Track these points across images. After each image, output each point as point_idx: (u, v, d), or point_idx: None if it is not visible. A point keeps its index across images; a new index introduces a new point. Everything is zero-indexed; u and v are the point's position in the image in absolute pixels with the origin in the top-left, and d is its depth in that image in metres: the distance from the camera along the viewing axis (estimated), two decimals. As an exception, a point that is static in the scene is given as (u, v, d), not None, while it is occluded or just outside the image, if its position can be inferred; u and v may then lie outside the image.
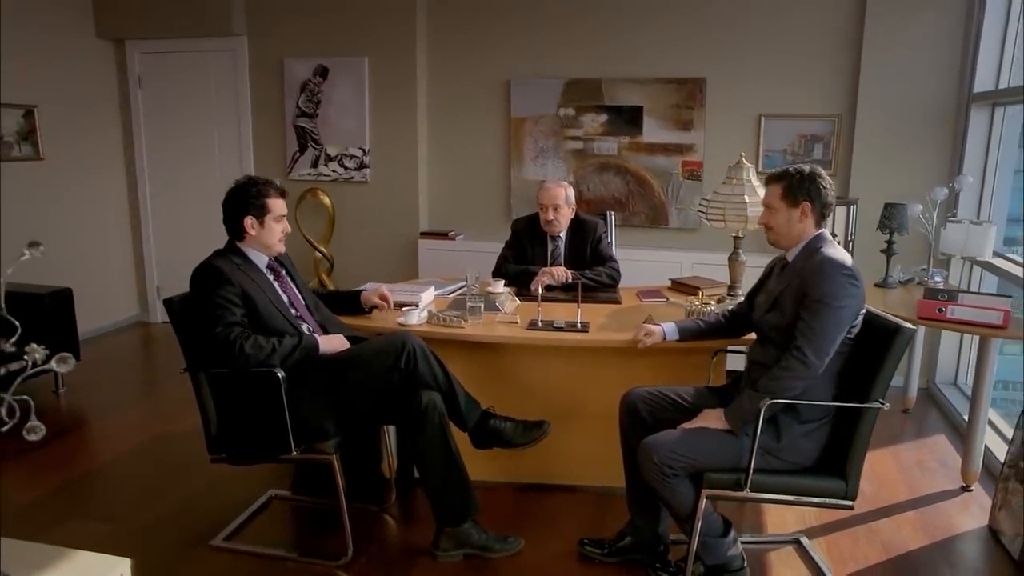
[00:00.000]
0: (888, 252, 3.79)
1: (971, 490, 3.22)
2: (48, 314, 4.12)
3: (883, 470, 3.44)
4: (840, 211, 4.02)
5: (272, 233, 2.64)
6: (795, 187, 2.37)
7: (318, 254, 5.24)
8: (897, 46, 4.29)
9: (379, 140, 5.15)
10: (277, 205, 2.65)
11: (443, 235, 5.10)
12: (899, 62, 4.30)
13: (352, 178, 5.24)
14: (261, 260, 2.68)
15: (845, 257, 2.31)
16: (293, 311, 2.70)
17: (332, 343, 2.65)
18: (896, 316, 3.12)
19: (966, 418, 3.43)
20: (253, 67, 5.28)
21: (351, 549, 2.64)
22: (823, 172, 2.40)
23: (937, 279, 3.78)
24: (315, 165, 5.28)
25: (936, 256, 3.91)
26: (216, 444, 2.60)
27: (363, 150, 5.18)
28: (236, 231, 2.64)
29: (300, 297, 2.80)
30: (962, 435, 3.60)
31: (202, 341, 2.48)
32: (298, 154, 5.29)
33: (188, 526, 2.87)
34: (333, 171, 5.25)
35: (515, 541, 2.74)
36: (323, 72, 5.13)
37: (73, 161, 5.25)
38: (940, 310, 3.12)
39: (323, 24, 5.08)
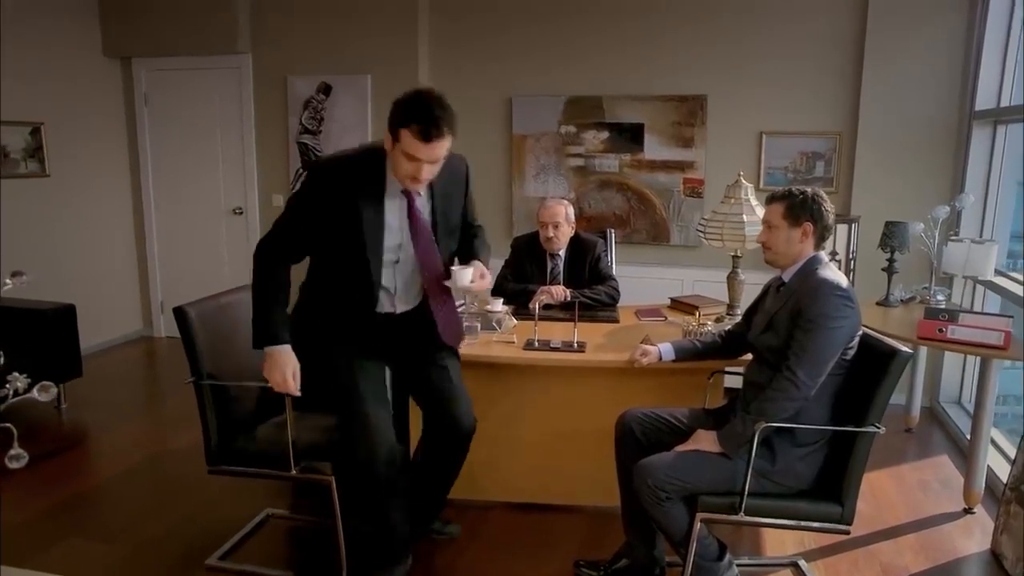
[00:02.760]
0: (889, 270, 3.77)
1: (973, 512, 3.19)
2: (51, 330, 4.14)
3: (884, 491, 3.41)
4: (841, 229, 4.02)
5: (399, 165, 2.22)
6: (798, 207, 2.37)
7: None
8: (898, 64, 4.29)
9: (382, 157, 5.16)
10: (411, 143, 2.15)
11: (445, 251, 5.10)
12: (900, 80, 4.30)
13: (355, 194, 5.25)
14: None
15: (840, 278, 2.31)
16: (393, 240, 2.35)
17: (271, 372, 2.35)
18: (896, 336, 3.15)
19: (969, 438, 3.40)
20: (257, 84, 5.32)
21: (346, 571, 2.63)
22: (825, 195, 2.41)
23: (939, 298, 3.76)
24: (318, 181, 5.29)
25: (938, 275, 3.89)
26: (216, 456, 2.61)
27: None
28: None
29: (425, 224, 2.40)
30: (965, 455, 3.56)
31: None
32: (301, 170, 5.31)
33: (184, 545, 2.86)
34: (336, 187, 5.27)
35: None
36: (326, 89, 5.17)
37: (79, 178, 5.29)
38: (940, 330, 3.10)
39: (326, 42, 5.12)
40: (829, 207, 2.39)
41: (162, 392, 4.82)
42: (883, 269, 3.79)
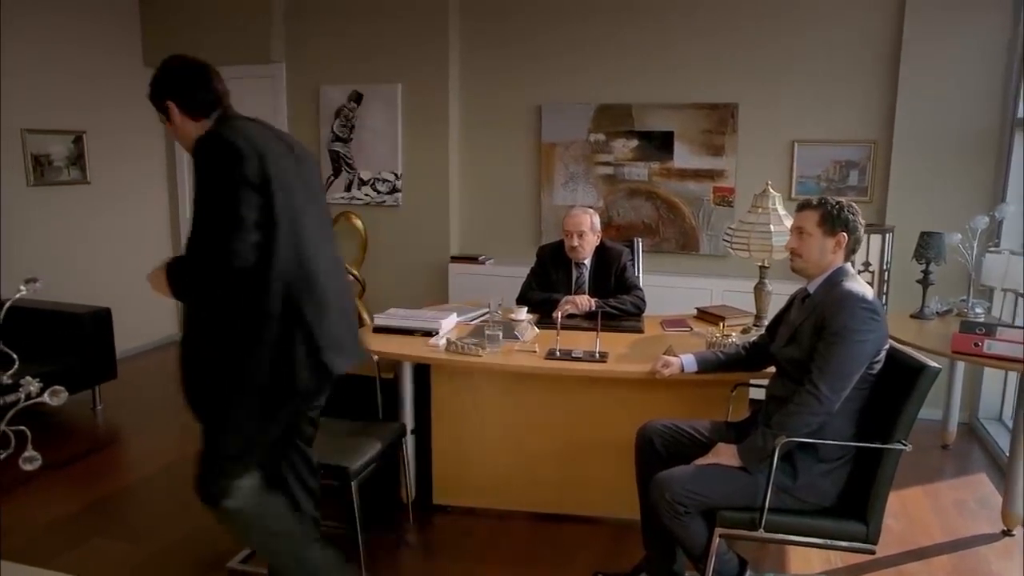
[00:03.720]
0: (924, 282, 3.67)
1: (1012, 535, 3.07)
2: (87, 333, 4.25)
3: (917, 509, 3.31)
4: (875, 240, 3.93)
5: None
6: (834, 217, 2.32)
7: (350, 277, 5.30)
8: (936, 69, 4.18)
9: (411, 165, 5.21)
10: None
11: (473, 259, 5.12)
12: (938, 86, 4.19)
13: (384, 202, 5.31)
14: None
15: (866, 291, 2.25)
16: None
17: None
18: (929, 350, 3.07)
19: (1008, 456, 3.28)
20: (291, 93, 5.41)
21: (363, 577, 2.64)
22: (857, 208, 2.37)
23: (978, 311, 3.65)
24: (348, 189, 5.36)
25: (976, 287, 3.77)
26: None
27: (395, 174, 5.25)
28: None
29: None
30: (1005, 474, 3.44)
31: None
32: (332, 178, 5.38)
33: (207, 548, 2.90)
34: (366, 195, 5.33)
35: None
36: (358, 98, 5.23)
37: (118, 185, 5.43)
38: (976, 344, 3.00)
39: (358, 52, 5.18)
40: (861, 220, 2.36)
41: (194, 395, 4.90)
42: (918, 281, 3.69)
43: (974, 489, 3.55)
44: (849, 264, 2.37)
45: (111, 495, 3.39)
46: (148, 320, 5.75)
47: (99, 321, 4.32)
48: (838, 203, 2.34)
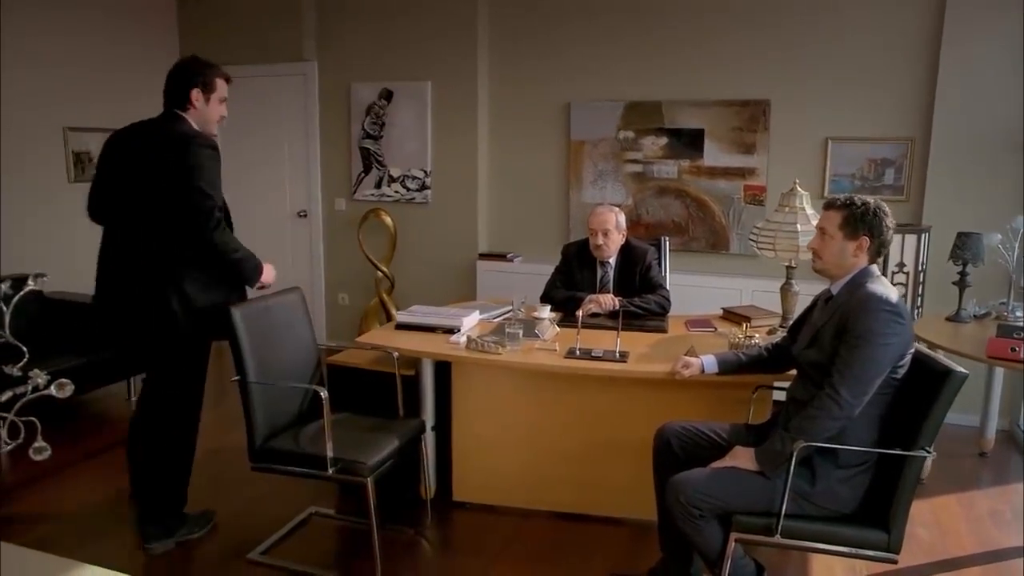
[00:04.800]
0: (961, 284, 3.56)
1: (1049, 546, 2.97)
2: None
3: (949, 518, 3.21)
4: (910, 240, 3.83)
5: (215, 112, 2.83)
6: (857, 219, 2.25)
7: (379, 273, 5.34)
8: (976, 66, 4.04)
9: (440, 162, 5.23)
10: (223, 87, 2.84)
11: (501, 256, 5.12)
12: (978, 82, 4.05)
13: (414, 199, 5.33)
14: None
15: (891, 293, 2.18)
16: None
17: (270, 273, 2.84)
18: (963, 354, 2.98)
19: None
20: (322, 91, 5.47)
21: (379, 574, 2.64)
22: (887, 209, 2.28)
23: (1019, 314, 3.52)
24: (378, 186, 5.40)
25: (1017, 289, 3.65)
26: (258, 454, 2.68)
27: (425, 171, 5.27)
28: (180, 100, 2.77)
29: None
30: (1043, 484, 3.33)
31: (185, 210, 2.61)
32: (363, 175, 5.43)
33: (229, 538, 2.95)
34: (396, 192, 5.36)
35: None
36: (388, 96, 5.27)
37: (156, 181, 5.55)
38: (1014, 349, 2.90)
39: (389, 50, 5.22)
40: (890, 222, 2.27)
41: (224, 388, 4.97)
42: (954, 283, 3.58)
43: (1011, 499, 3.43)
44: (875, 266, 2.30)
45: (140, 485, 3.46)
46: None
47: (134, 314, 4.41)
48: (863, 204, 2.26)
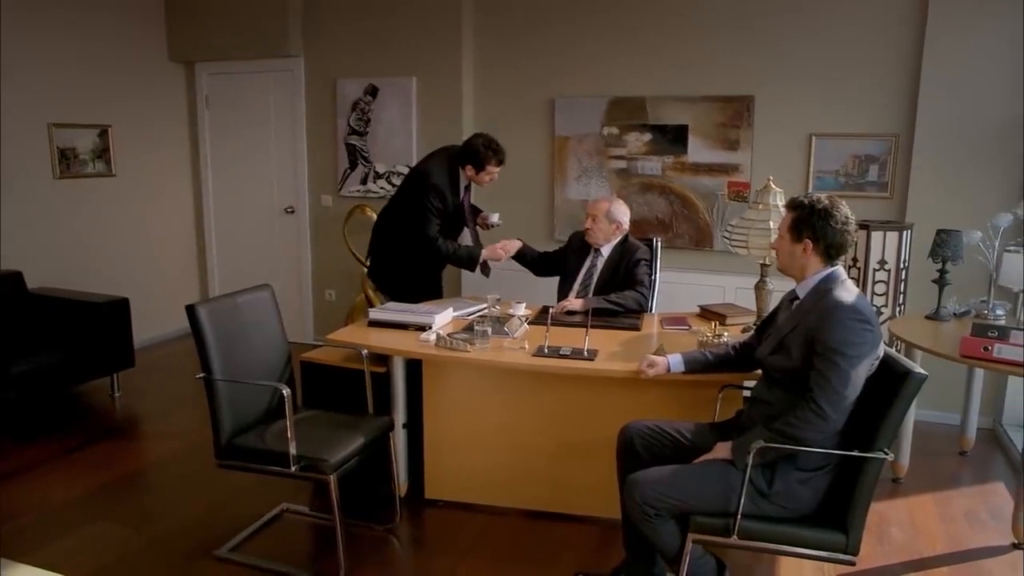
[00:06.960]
0: (940, 282, 3.53)
1: (1022, 548, 2.94)
2: (105, 322, 4.36)
3: (923, 517, 3.20)
4: (891, 237, 3.80)
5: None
6: (802, 221, 2.24)
7: (365, 270, 5.32)
8: (960, 61, 4.00)
9: (426, 158, 5.21)
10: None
11: (486, 253, 5.09)
12: (962, 78, 4.01)
13: (400, 195, 5.31)
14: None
15: (856, 299, 2.14)
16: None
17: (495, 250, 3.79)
18: (938, 353, 2.97)
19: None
20: (308, 87, 5.46)
21: (343, 571, 2.65)
22: (842, 209, 2.23)
23: (999, 312, 3.50)
24: (364, 182, 5.39)
25: (997, 287, 3.61)
26: (223, 451, 2.68)
27: (410, 167, 5.25)
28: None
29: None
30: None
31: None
32: (348, 171, 5.42)
33: (202, 534, 2.96)
34: (381, 188, 5.35)
35: None
36: (373, 91, 5.25)
37: (143, 177, 5.56)
38: (986, 348, 2.87)
39: (374, 45, 5.20)
40: (839, 222, 2.20)
41: (200, 386, 4.99)
42: (934, 281, 3.55)
43: (987, 499, 3.41)
44: (840, 268, 2.27)
45: (119, 480, 3.48)
46: (173, 310, 5.86)
47: (116, 310, 4.43)
48: (811, 205, 2.22)
